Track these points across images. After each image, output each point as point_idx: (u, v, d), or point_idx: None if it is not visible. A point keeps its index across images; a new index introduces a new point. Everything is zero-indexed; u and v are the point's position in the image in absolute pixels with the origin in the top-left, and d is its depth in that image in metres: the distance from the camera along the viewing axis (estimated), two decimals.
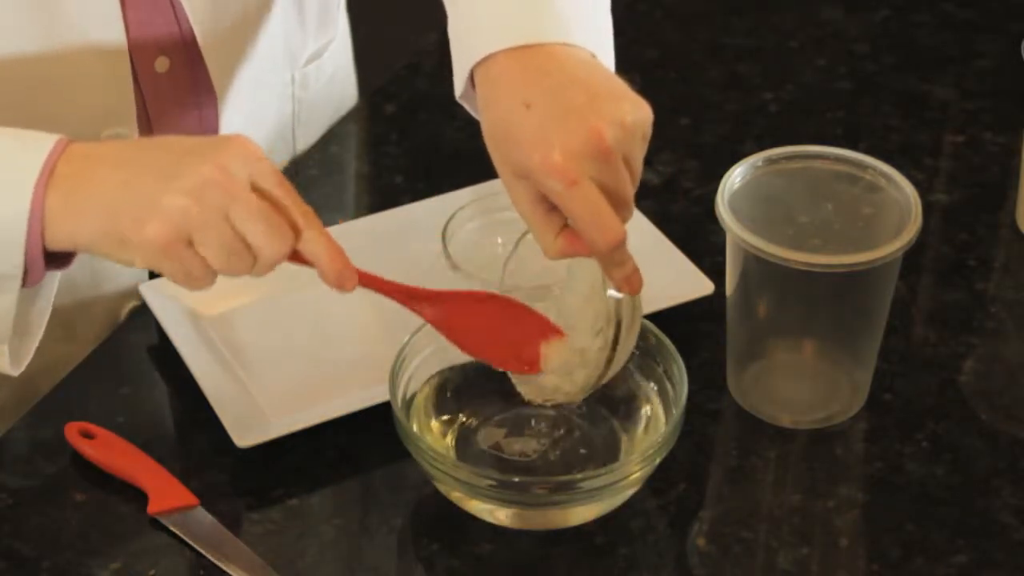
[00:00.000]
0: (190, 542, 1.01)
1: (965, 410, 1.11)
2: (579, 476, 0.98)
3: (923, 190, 1.20)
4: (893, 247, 1.01)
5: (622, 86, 0.96)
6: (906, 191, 1.05)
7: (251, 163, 0.91)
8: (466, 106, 1.04)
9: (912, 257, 1.07)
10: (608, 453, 1.06)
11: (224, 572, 1.00)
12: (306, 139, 1.35)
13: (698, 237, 1.22)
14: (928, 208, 1.18)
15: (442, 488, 1.02)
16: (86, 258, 0.96)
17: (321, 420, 1.07)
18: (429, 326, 1.00)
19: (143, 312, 1.17)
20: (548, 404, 1.04)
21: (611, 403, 1.07)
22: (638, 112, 0.95)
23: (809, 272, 1.01)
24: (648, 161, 0.97)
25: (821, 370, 1.11)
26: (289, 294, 1.17)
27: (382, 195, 1.31)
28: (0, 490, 1.05)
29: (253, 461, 1.06)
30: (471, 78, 1.00)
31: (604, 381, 1.00)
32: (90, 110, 1.12)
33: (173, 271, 0.92)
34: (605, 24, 1.04)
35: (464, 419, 1.08)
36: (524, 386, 1.03)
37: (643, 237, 1.17)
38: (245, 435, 1.06)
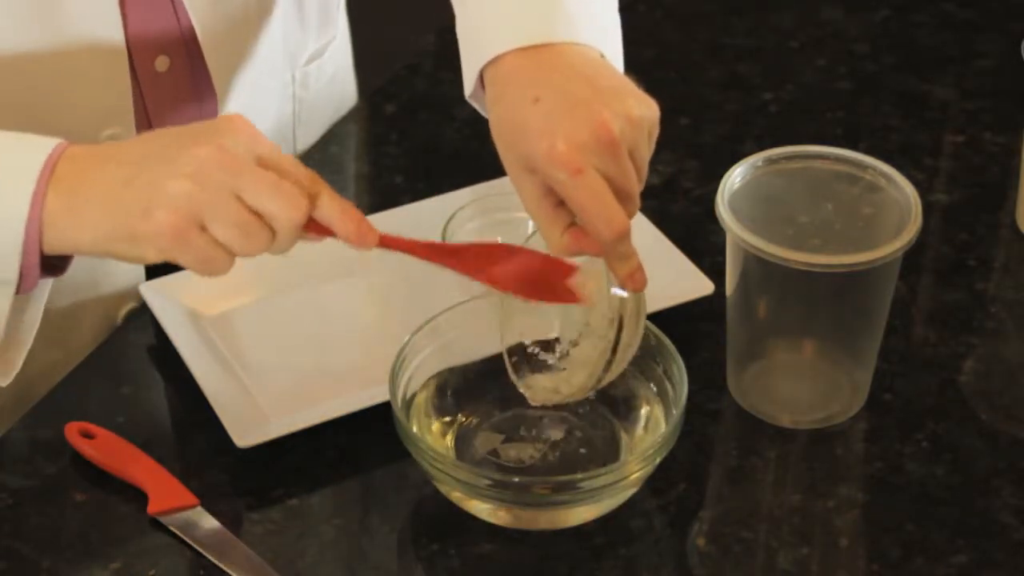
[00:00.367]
0: (190, 542, 1.01)
1: (965, 410, 1.11)
2: (579, 476, 0.98)
3: (923, 190, 1.20)
4: (893, 247, 1.01)
5: (630, 84, 0.96)
6: (906, 191, 1.05)
7: (249, 139, 0.91)
8: (475, 105, 1.04)
9: (912, 257, 1.07)
10: (608, 453, 1.06)
11: (224, 572, 1.00)
12: (306, 139, 1.35)
13: (698, 237, 1.22)
14: (928, 208, 1.18)
15: (442, 488, 1.02)
16: (84, 260, 0.96)
17: (321, 420, 1.07)
18: (429, 326, 1.00)
19: (143, 312, 1.18)
20: (548, 405, 1.04)
21: (611, 403, 1.07)
22: (645, 108, 0.95)
23: (809, 272, 1.01)
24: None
25: (821, 370, 1.11)
26: (289, 294, 1.17)
27: (382, 195, 1.31)
28: (0, 490, 1.05)
29: (253, 461, 1.06)
30: (480, 78, 1.00)
31: (604, 383, 1.00)
32: (89, 109, 1.12)
33: (189, 259, 0.90)
34: (613, 24, 1.04)
35: (464, 419, 1.08)
36: (525, 387, 1.03)
37: (643, 237, 1.16)
38: (245, 435, 1.06)
